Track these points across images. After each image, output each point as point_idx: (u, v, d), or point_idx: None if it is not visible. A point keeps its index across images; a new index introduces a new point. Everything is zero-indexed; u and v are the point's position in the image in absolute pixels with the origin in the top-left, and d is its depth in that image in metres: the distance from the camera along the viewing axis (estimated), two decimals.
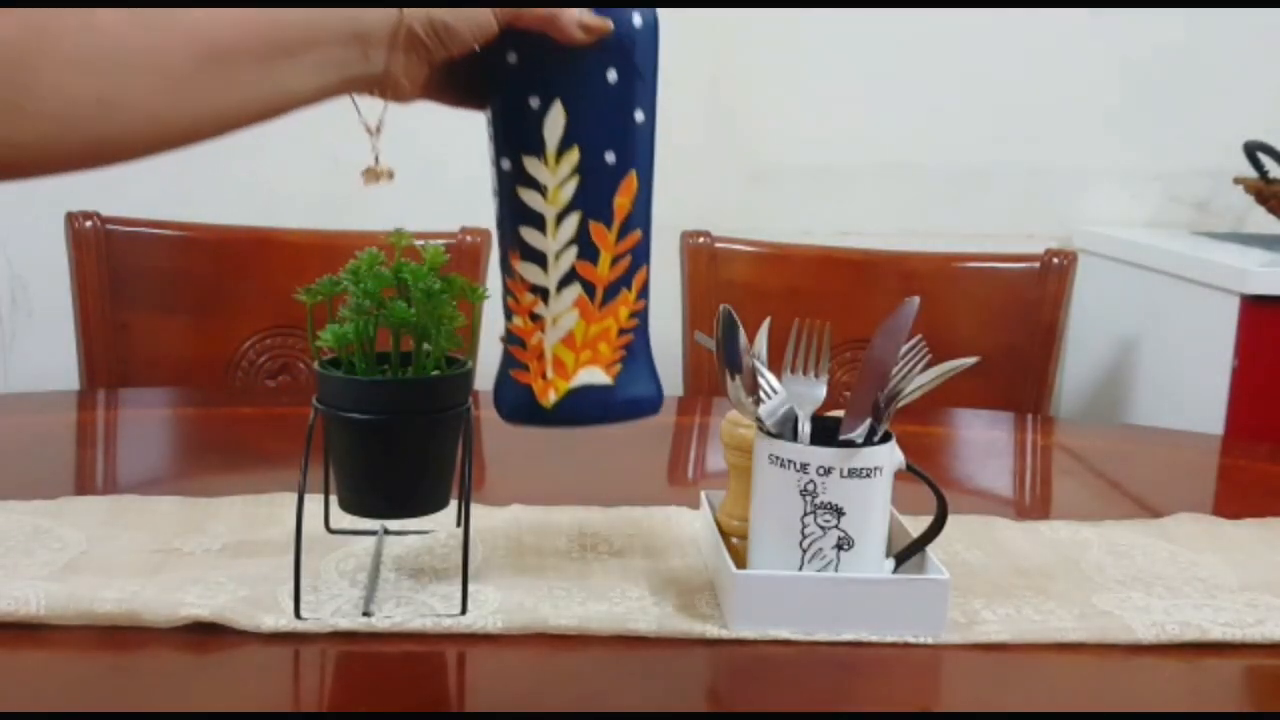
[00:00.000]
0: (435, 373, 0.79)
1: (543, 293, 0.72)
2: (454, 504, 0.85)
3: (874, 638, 0.78)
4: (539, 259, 0.72)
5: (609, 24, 0.68)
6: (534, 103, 0.69)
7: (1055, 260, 1.64)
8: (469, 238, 1.58)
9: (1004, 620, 0.80)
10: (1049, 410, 1.65)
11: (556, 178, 0.70)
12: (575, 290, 0.72)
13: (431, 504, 0.81)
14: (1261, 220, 2.06)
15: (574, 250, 0.71)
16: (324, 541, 0.87)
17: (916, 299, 0.77)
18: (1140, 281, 1.94)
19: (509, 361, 0.75)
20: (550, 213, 0.71)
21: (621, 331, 0.74)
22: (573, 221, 0.71)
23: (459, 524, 0.86)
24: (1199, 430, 1.59)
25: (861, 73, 2.06)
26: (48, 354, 1.73)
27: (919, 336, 0.79)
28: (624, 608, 0.80)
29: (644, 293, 0.75)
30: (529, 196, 0.71)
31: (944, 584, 0.79)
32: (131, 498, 0.97)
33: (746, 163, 2.06)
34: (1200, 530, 1.00)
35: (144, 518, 0.92)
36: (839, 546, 0.77)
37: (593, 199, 0.71)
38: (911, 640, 0.78)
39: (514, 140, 0.70)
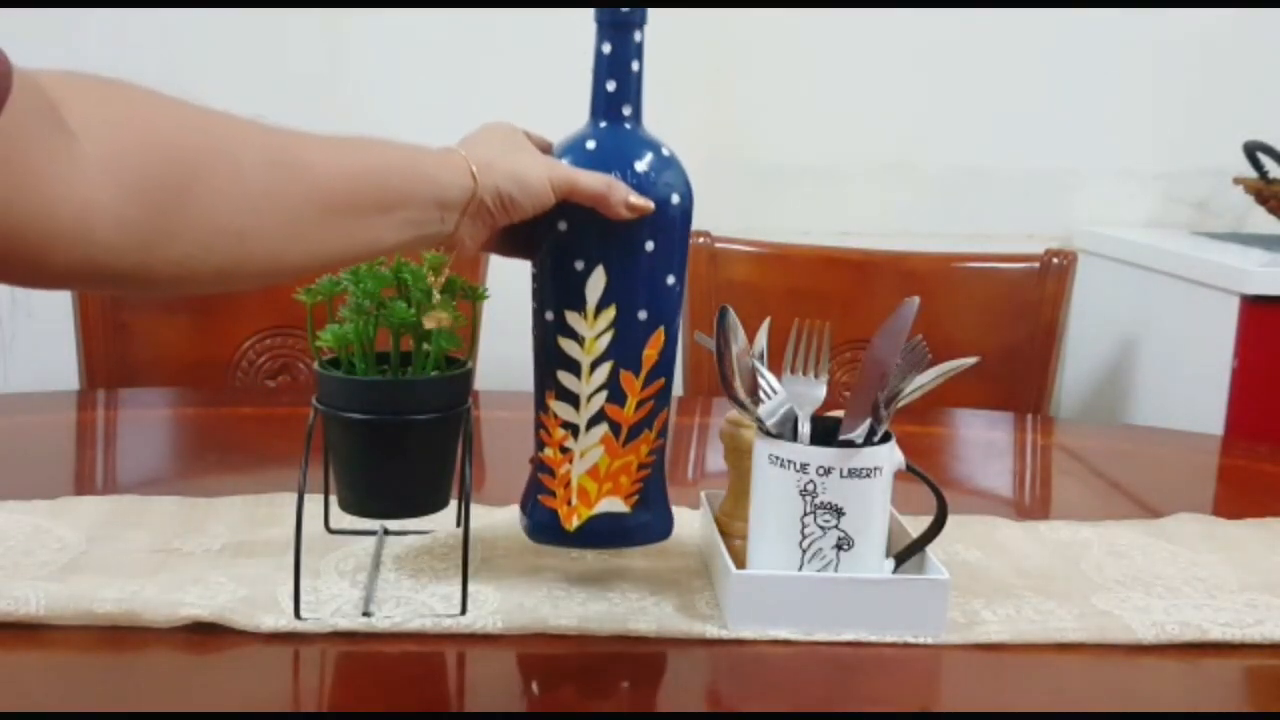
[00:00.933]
0: (435, 373, 0.79)
1: (573, 429, 0.79)
2: (454, 504, 0.85)
3: (874, 638, 0.78)
4: (572, 400, 0.78)
5: (651, 205, 0.75)
6: (579, 265, 0.76)
7: (1055, 260, 1.64)
8: None
9: (1004, 620, 0.80)
10: (1049, 410, 1.65)
11: (594, 331, 0.77)
12: (603, 429, 0.79)
13: (431, 504, 0.81)
14: (1261, 220, 2.06)
15: (605, 394, 0.78)
16: (324, 541, 0.87)
17: (916, 299, 0.77)
18: (1140, 281, 1.94)
19: (538, 487, 0.81)
20: (586, 360, 0.78)
21: (641, 466, 0.80)
22: (605, 369, 0.78)
23: (459, 524, 0.86)
24: (1199, 430, 1.59)
25: (860, 73, 2.05)
26: (48, 354, 1.73)
27: (919, 336, 0.79)
28: (624, 608, 0.80)
29: (663, 432, 0.81)
30: (568, 345, 0.78)
31: (944, 584, 0.79)
32: (131, 498, 0.97)
33: (746, 163, 2.06)
34: (1200, 530, 1.00)
35: (144, 518, 0.92)
36: (839, 546, 0.77)
37: (624, 350, 0.78)
38: (911, 640, 0.78)
39: (558, 296, 0.78)
